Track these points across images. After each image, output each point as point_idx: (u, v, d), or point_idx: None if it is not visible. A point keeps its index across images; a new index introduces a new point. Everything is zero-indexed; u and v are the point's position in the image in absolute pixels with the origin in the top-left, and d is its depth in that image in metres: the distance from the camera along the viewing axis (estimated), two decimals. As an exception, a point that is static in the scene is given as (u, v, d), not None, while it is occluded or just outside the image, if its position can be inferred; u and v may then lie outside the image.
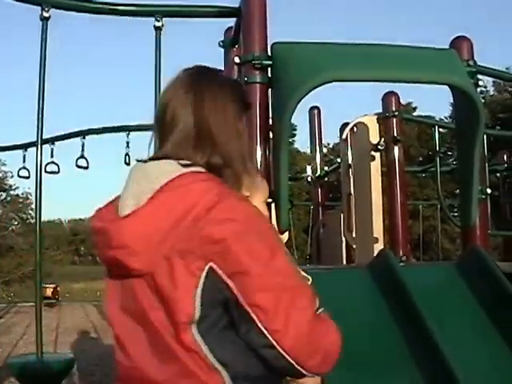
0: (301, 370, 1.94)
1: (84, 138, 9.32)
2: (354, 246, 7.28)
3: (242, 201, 1.98)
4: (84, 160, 9.36)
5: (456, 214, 6.95)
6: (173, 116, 2.10)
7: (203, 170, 2.01)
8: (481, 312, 4.27)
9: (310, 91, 4.20)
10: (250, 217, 1.95)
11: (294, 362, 1.92)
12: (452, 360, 3.60)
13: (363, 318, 4.18)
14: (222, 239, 1.85)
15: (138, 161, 2.13)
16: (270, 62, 4.53)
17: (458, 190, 5.90)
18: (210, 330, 1.91)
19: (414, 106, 46.50)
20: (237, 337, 1.93)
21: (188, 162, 2.00)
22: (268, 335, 1.87)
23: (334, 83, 4.31)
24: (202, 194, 1.88)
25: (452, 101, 5.13)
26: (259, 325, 1.87)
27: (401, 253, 6.78)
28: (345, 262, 7.70)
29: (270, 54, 4.57)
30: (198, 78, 2.17)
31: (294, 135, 47.17)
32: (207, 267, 1.86)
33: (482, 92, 42.51)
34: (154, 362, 1.96)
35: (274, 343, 1.88)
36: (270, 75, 4.59)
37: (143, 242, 1.88)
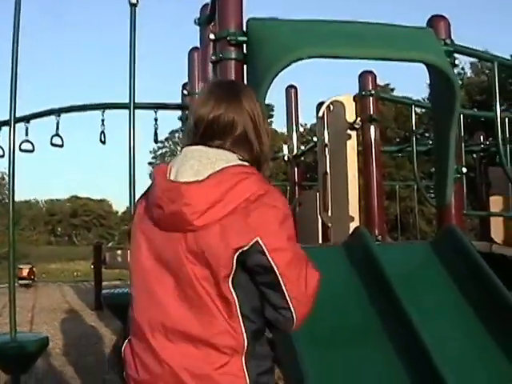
0: (295, 327, 2.47)
1: (59, 115, 9.19)
2: (330, 225, 7.28)
3: (281, 195, 2.49)
4: (59, 138, 9.23)
5: (433, 196, 6.94)
6: (227, 122, 2.54)
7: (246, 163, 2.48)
8: (455, 289, 4.28)
9: (285, 68, 4.17)
10: (286, 206, 2.46)
11: (297, 324, 2.43)
12: (425, 335, 3.61)
13: (338, 296, 4.17)
14: (268, 220, 2.34)
15: (189, 145, 2.54)
16: (245, 39, 4.49)
17: (433, 168, 5.90)
18: (240, 286, 2.34)
19: (391, 87, 46.55)
20: (257, 297, 2.40)
21: (240, 157, 2.48)
22: (289, 300, 2.36)
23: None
24: (257, 182, 2.39)
25: (429, 82, 5.13)
26: (285, 291, 2.35)
27: (376, 232, 6.80)
28: (320, 241, 7.71)
29: (245, 30, 4.53)
30: (248, 93, 2.68)
31: (272, 116, 47.08)
32: (254, 239, 2.30)
33: (459, 74, 42.60)
34: (181, 309, 2.34)
35: (291, 306, 2.37)
36: (245, 52, 4.56)
37: (206, 205, 2.31)
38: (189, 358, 2.32)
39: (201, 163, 2.42)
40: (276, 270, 2.33)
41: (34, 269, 27.59)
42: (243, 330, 2.33)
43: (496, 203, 10.70)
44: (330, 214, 7.30)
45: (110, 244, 49.14)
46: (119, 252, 21.23)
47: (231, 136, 2.53)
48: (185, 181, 2.38)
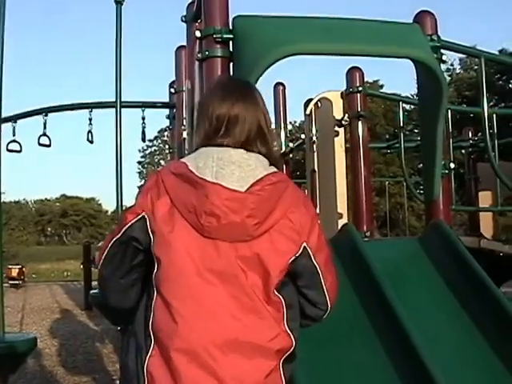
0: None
1: (46, 115, 9.17)
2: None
3: (307, 196, 2.72)
4: (46, 138, 9.21)
5: (422, 192, 6.95)
6: (243, 120, 2.56)
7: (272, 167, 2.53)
8: (443, 285, 4.28)
9: (272, 65, 4.16)
10: (315, 211, 2.66)
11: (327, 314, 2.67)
12: (413, 331, 3.61)
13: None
14: (308, 224, 2.47)
15: (215, 145, 2.50)
16: (232, 36, 4.47)
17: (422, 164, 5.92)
18: (282, 290, 2.44)
19: (380, 83, 46.65)
20: (295, 298, 2.52)
21: (265, 160, 2.52)
22: (327, 295, 2.57)
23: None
24: (295, 188, 2.54)
25: (416, 78, 5.13)
26: (324, 289, 2.55)
27: (365, 228, 6.79)
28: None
29: (231, 27, 4.51)
30: (248, 91, 2.73)
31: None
32: (303, 245, 2.44)
33: (448, 70, 42.76)
34: (235, 318, 2.32)
35: (328, 301, 2.60)
36: (231, 49, 4.55)
37: (264, 216, 2.36)
38: (240, 369, 2.28)
39: (242, 169, 2.42)
40: (320, 272, 2.51)
41: (24, 269, 27.58)
42: (292, 333, 2.42)
43: (485, 198, 10.74)
44: (318, 211, 7.30)
45: (100, 243, 49.07)
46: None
47: (255, 135, 2.56)
48: (240, 190, 2.37)
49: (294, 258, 2.41)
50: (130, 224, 2.44)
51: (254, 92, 2.73)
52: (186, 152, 6.04)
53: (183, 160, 2.52)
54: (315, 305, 2.58)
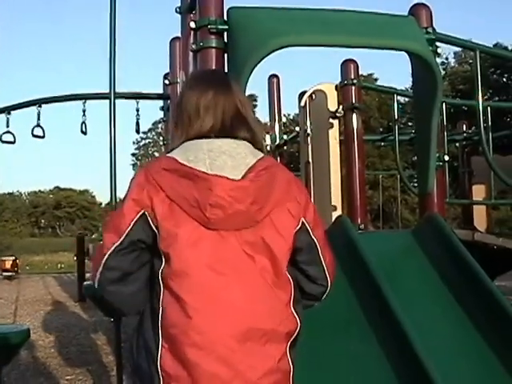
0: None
1: (40, 106, 9.14)
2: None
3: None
4: (40, 129, 9.18)
5: (416, 185, 6.96)
6: (227, 109, 2.62)
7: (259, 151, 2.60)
8: (437, 277, 4.27)
9: (266, 56, 4.14)
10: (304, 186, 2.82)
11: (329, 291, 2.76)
12: (407, 324, 3.60)
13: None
14: (304, 200, 2.58)
15: (206, 137, 2.54)
16: (226, 27, 4.45)
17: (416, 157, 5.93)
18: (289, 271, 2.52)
19: (375, 77, 46.63)
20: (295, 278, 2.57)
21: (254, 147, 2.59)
22: (326, 271, 2.67)
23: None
24: (286, 171, 2.61)
25: (411, 71, 5.12)
26: (323, 263, 2.64)
27: (359, 221, 6.79)
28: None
29: (226, 18, 4.50)
30: (227, 80, 2.80)
31: (255, 106, 46.99)
32: (302, 219, 2.53)
33: (443, 63, 42.79)
34: (248, 305, 2.35)
35: (328, 276, 2.69)
36: (226, 40, 4.53)
37: (265, 201, 2.42)
38: (255, 357, 2.32)
39: (234, 158, 2.46)
40: (318, 247, 2.61)
41: (18, 261, 27.57)
42: (297, 315, 2.51)
43: (478, 192, 10.75)
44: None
45: (93, 235, 49.06)
46: (102, 243, 21.13)
47: (236, 122, 2.62)
48: (235, 176, 2.41)
49: (294, 231, 2.50)
50: (131, 226, 2.38)
51: (228, 80, 2.81)
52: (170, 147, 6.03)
53: (171, 155, 2.50)
54: (315, 281, 2.66)
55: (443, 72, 40.67)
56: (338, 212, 6.77)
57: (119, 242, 2.37)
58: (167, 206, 2.36)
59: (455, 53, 45.11)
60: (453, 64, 46.06)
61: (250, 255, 2.39)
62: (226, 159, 2.44)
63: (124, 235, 2.37)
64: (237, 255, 2.38)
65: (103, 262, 2.38)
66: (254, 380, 2.30)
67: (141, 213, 2.38)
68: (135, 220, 2.38)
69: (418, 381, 3.36)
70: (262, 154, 2.57)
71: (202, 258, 2.34)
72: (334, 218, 5.24)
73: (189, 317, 2.29)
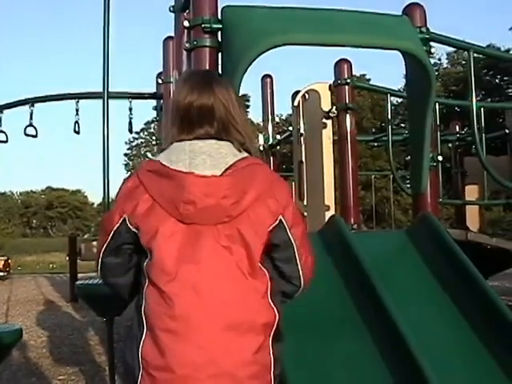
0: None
1: (32, 106, 9.13)
2: (305, 214, 7.26)
3: (280, 176, 2.78)
4: (33, 128, 9.18)
5: (409, 186, 6.96)
6: (208, 110, 2.67)
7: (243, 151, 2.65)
8: (430, 277, 4.27)
9: (259, 55, 4.14)
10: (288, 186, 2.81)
11: (304, 290, 2.72)
12: (401, 323, 3.60)
13: (314, 284, 4.15)
14: (285, 199, 2.60)
15: (187, 140, 2.62)
16: (220, 26, 4.45)
17: (409, 157, 5.94)
18: (266, 264, 2.56)
19: (367, 77, 46.64)
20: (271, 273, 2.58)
21: (237, 148, 2.63)
22: (300, 270, 2.63)
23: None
24: (269, 169, 2.73)
25: (405, 70, 5.12)
26: (298, 263, 2.62)
27: (352, 221, 6.79)
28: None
29: (220, 17, 4.49)
30: (214, 80, 2.81)
31: (248, 106, 47.01)
32: (279, 217, 2.55)
33: (435, 64, 42.80)
34: (224, 296, 2.41)
35: (301, 276, 2.65)
36: (220, 39, 4.52)
37: (240, 196, 2.47)
38: (230, 346, 2.38)
39: (213, 158, 2.56)
40: (294, 246, 2.60)
41: (10, 261, 27.45)
42: (275, 306, 2.52)
43: (471, 192, 10.77)
44: (305, 203, 7.29)
45: (85, 236, 49.00)
46: (95, 243, 21.07)
47: (213, 122, 2.66)
48: (213, 174, 2.50)
49: (271, 228, 2.53)
50: (114, 230, 2.58)
51: (212, 81, 2.80)
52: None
53: (156, 158, 2.63)
54: (289, 280, 2.66)
55: (436, 73, 40.74)
56: (331, 212, 6.77)
57: (107, 243, 2.61)
58: (149, 205, 2.50)
59: (448, 54, 45.21)
60: (445, 65, 46.16)
61: (227, 247, 2.46)
62: (205, 158, 2.54)
63: (110, 237, 2.59)
64: (212, 248, 2.45)
65: (99, 259, 2.67)
66: (229, 368, 2.36)
67: (123, 217, 2.54)
68: (118, 224, 2.56)
69: (413, 379, 3.36)
70: (245, 154, 2.63)
71: (176, 251, 2.44)
72: (327, 218, 5.24)
73: (166, 305, 2.39)
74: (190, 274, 2.42)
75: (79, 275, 16.38)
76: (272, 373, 2.47)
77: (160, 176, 2.51)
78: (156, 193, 2.49)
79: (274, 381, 2.48)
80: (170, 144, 2.65)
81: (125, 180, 2.64)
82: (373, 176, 18.74)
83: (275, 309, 2.51)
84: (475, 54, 6.43)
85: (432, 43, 5.25)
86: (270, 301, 2.50)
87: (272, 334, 2.48)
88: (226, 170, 2.52)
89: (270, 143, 8.97)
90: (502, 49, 38.06)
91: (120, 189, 2.62)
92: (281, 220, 2.55)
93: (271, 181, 2.60)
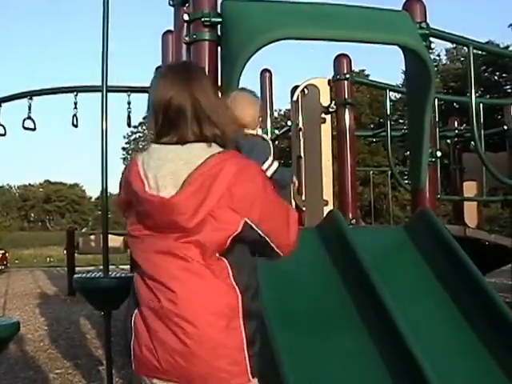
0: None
1: (31, 99, 9.11)
2: (304, 209, 7.26)
3: (256, 166, 2.72)
4: (31, 121, 9.16)
5: (407, 181, 6.96)
6: (177, 107, 2.66)
7: (218, 147, 2.65)
8: (429, 272, 4.27)
9: (258, 50, 4.13)
10: (262, 174, 2.72)
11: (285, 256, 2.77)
12: (399, 319, 3.60)
13: (311, 278, 4.16)
14: (250, 197, 2.57)
15: (156, 143, 2.70)
16: (220, 20, 4.44)
17: (408, 153, 5.94)
18: (231, 252, 2.60)
19: (366, 73, 46.59)
20: (247, 257, 2.70)
21: (207, 144, 2.64)
22: (278, 250, 2.69)
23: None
24: (232, 166, 2.56)
25: (404, 67, 5.11)
26: (274, 247, 2.68)
27: (350, 216, 6.79)
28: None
29: (220, 11, 4.48)
30: (185, 74, 2.77)
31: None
32: (243, 221, 2.54)
33: (434, 60, 42.72)
34: (185, 287, 2.56)
35: (280, 252, 2.71)
36: (219, 33, 4.51)
37: (195, 209, 2.52)
38: (195, 329, 2.54)
39: (177, 165, 2.60)
40: (266, 238, 2.64)
41: (7, 254, 27.46)
42: (238, 287, 2.58)
43: (470, 188, 10.77)
44: (303, 197, 7.28)
45: (83, 229, 48.97)
46: (92, 237, 21.11)
47: (180, 119, 2.67)
48: (170, 194, 2.57)
49: (234, 233, 2.56)
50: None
51: (190, 75, 2.78)
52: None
53: (137, 159, 2.74)
54: (267, 256, 2.78)
55: (435, 69, 40.71)
56: (330, 207, 6.77)
57: None
58: (128, 202, 2.72)
59: (447, 50, 45.15)
60: (444, 61, 46.10)
61: (185, 247, 2.57)
62: (170, 167, 2.61)
63: None
64: (175, 248, 2.59)
65: None
66: (201, 353, 2.53)
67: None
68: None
69: (412, 377, 3.35)
70: (216, 151, 2.63)
71: (149, 248, 2.67)
72: (325, 213, 5.23)
73: (149, 288, 2.66)
74: (161, 267, 2.63)
75: (77, 269, 16.38)
76: (246, 352, 2.58)
77: (131, 179, 2.67)
78: (129, 192, 2.69)
79: (250, 360, 2.58)
80: (150, 144, 2.76)
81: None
82: (371, 172, 18.68)
83: (237, 290, 2.58)
84: (474, 51, 6.42)
85: (432, 39, 5.25)
86: (234, 282, 2.59)
87: (241, 315, 2.58)
88: (185, 180, 2.57)
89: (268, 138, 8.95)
90: (502, 46, 38.03)
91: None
92: (245, 222, 2.57)
93: (238, 178, 2.57)
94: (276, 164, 3.58)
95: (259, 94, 9.36)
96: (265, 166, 3.42)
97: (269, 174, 3.27)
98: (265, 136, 3.51)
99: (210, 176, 2.54)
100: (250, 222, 2.58)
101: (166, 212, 2.58)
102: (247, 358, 2.57)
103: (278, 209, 2.72)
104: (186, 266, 2.60)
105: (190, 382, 2.59)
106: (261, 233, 2.62)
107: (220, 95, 3.73)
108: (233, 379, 2.56)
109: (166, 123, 2.69)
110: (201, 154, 2.60)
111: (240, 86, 4.25)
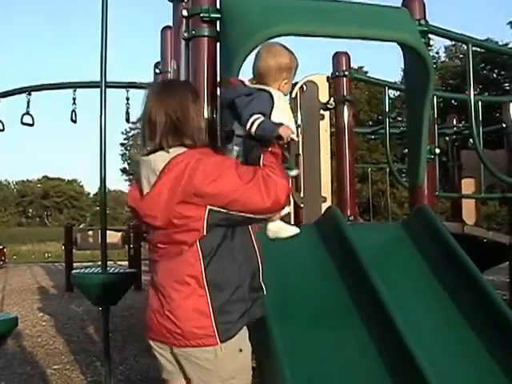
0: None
1: (29, 94, 9.12)
2: (302, 206, 7.26)
3: (211, 152, 3.13)
4: (29, 117, 9.16)
5: (405, 179, 6.96)
6: (154, 119, 3.14)
7: (182, 148, 3.08)
8: (426, 269, 4.27)
9: (258, 45, 4.11)
10: (215, 157, 3.10)
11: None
12: (397, 316, 3.60)
13: (310, 275, 4.16)
14: (207, 185, 2.94)
15: (144, 155, 3.18)
16: (219, 15, 4.43)
17: (406, 150, 5.93)
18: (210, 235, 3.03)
19: (365, 70, 46.58)
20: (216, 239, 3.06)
21: (172, 149, 3.06)
22: (254, 217, 3.05)
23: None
24: (185, 159, 2.99)
25: (403, 64, 5.11)
26: (251, 216, 3.02)
27: (348, 212, 6.79)
28: (292, 222, 7.69)
29: (219, 7, 4.47)
30: (161, 90, 3.29)
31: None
32: (207, 209, 2.97)
33: (433, 58, 42.74)
34: (166, 264, 3.16)
35: (258, 217, 3.08)
36: (218, 29, 4.51)
37: (159, 210, 3.06)
38: (169, 298, 3.09)
39: (147, 172, 3.14)
40: (237, 215, 3.00)
41: (5, 250, 27.46)
42: (201, 260, 3.02)
43: (468, 186, 10.77)
44: (302, 194, 7.28)
45: (81, 225, 48.96)
46: (90, 233, 21.06)
47: (157, 130, 3.13)
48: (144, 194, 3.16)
49: (204, 219, 2.99)
50: None
51: (162, 91, 3.27)
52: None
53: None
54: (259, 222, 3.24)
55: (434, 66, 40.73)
56: (328, 203, 6.78)
57: None
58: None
59: (446, 47, 45.21)
60: (443, 58, 46.13)
61: (170, 239, 3.11)
62: (145, 174, 3.16)
63: None
64: (163, 238, 3.15)
65: None
66: (170, 314, 3.07)
67: None
68: None
69: (410, 373, 3.35)
70: (178, 152, 3.06)
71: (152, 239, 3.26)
72: (323, 209, 5.24)
73: (155, 271, 3.26)
74: (157, 252, 3.24)
75: (75, 264, 16.39)
76: (213, 319, 3.00)
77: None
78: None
79: (218, 326, 3.00)
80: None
81: None
82: (369, 169, 18.68)
83: (202, 263, 3.02)
84: (473, 48, 6.42)
85: (431, 36, 5.25)
86: (200, 257, 3.03)
87: (206, 285, 3.02)
88: (154, 182, 3.09)
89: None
90: (500, 43, 38.02)
91: None
92: (210, 210, 2.97)
93: (190, 171, 2.97)
94: (260, 119, 3.39)
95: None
96: (248, 123, 3.26)
97: (253, 129, 3.20)
98: (270, 89, 3.27)
99: (170, 176, 3.02)
100: (214, 208, 2.97)
101: (140, 213, 3.22)
102: (214, 324, 2.99)
103: (242, 185, 2.98)
104: (167, 249, 3.15)
105: (168, 339, 3.09)
106: (230, 212, 2.98)
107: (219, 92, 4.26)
108: (200, 340, 3.01)
109: (148, 137, 3.19)
110: (163, 158, 3.06)
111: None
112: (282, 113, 3.36)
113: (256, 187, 2.98)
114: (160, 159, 3.07)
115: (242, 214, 3.00)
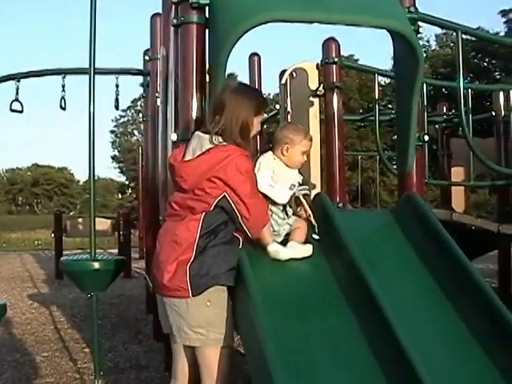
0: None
1: (18, 81, 9.07)
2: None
3: (242, 157, 3.83)
4: (18, 104, 9.12)
5: (395, 166, 6.96)
6: (221, 112, 3.92)
7: (223, 141, 3.87)
8: (415, 256, 4.27)
9: (246, 32, 4.10)
10: (244, 165, 3.83)
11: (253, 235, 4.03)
12: (385, 303, 3.59)
13: (298, 261, 4.15)
14: (231, 179, 3.77)
15: (202, 132, 3.99)
16: (208, 2, 4.42)
17: (396, 137, 5.93)
18: (216, 216, 3.85)
19: (355, 58, 46.54)
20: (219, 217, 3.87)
21: (219, 139, 3.87)
22: (246, 229, 3.92)
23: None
24: (222, 152, 3.80)
25: (392, 50, 5.10)
26: (243, 225, 3.88)
27: (338, 200, 6.79)
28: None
29: (208, -7, 4.45)
30: (240, 92, 4.00)
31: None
32: (222, 194, 3.78)
33: (424, 46, 42.72)
34: (173, 223, 3.98)
35: (247, 229, 3.93)
36: (207, 16, 4.49)
37: (192, 176, 3.83)
38: (165, 253, 3.91)
39: (196, 145, 3.92)
40: (239, 216, 3.85)
41: (-5, 237, 27.43)
42: (198, 230, 3.80)
43: (457, 174, 10.79)
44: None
45: (71, 213, 48.90)
46: (80, 220, 20.98)
47: (214, 120, 3.93)
48: (187, 159, 3.91)
49: (217, 199, 3.80)
50: None
51: (245, 92, 4.05)
52: (160, 120, 5.99)
53: None
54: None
55: (424, 55, 40.67)
56: (317, 190, 6.77)
57: None
58: None
59: (436, 36, 45.16)
60: (434, 47, 46.10)
61: (187, 204, 3.88)
62: (193, 145, 3.96)
63: None
64: (179, 200, 3.95)
65: None
66: (164, 281, 3.85)
67: None
68: None
69: (397, 360, 3.34)
70: (214, 144, 3.86)
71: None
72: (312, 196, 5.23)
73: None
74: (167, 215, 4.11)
75: (64, 252, 16.34)
76: (188, 278, 3.76)
77: None
78: None
79: (190, 284, 3.75)
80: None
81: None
82: (359, 156, 18.70)
83: (197, 233, 3.79)
84: (464, 36, 6.43)
85: (420, 23, 5.24)
86: (198, 228, 3.80)
87: (195, 249, 3.78)
88: (200, 155, 3.86)
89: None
90: (492, 32, 38.03)
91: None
92: (224, 195, 3.79)
93: (223, 162, 3.76)
94: None
95: (248, 78, 9.38)
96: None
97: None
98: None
99: (210, 158, 3.80)
100: (227, 197, 3.78)
101: (175, 173, 3.97)
102: (189, 281, 3.75)
103: (252, 198, 3.87)
104: (177, 212, 3.93)
105: (161, 290, 3.91)
106: (235, 209, 3.81)
107: (208, 79, 4.57)
108: (178, 292, 3.78)
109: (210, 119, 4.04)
110: (207, 143, 3.87)
111: (228, 70, 4.24)
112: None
113: (261, 216, 3.99)
114: (208, 141, 3.86)
115: (239, 217, 3.85)
